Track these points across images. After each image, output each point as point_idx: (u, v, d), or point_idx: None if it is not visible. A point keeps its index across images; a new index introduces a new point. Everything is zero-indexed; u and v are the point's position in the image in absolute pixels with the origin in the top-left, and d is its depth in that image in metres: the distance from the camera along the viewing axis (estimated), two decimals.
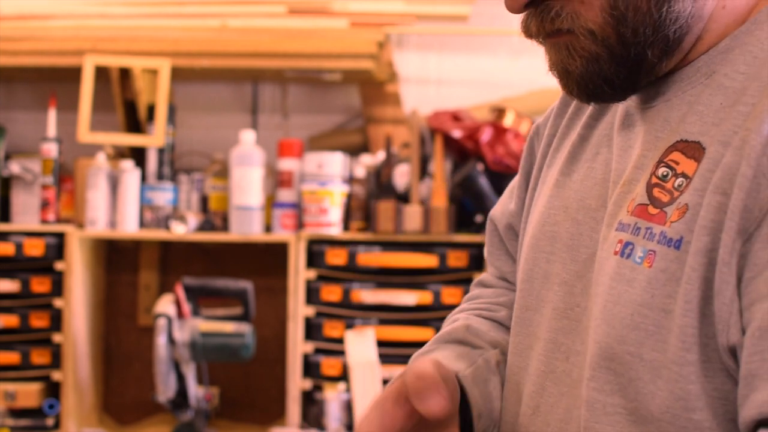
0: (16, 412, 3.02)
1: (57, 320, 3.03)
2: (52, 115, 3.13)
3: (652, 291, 0.86)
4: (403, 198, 3.04)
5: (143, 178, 3.14)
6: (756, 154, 0.81)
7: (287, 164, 3.12)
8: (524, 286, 1.04)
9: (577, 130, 1.07)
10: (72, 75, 3.10)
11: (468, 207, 3.03)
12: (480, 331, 1.12)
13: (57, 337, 3.03)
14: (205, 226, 3.11)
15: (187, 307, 2.95)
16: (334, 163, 3.04)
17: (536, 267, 1.03)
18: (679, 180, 0.88)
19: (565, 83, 0.95)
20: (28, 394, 3.00)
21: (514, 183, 1.20)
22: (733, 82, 0.89)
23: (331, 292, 3.00)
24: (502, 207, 1.22)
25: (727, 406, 0.83)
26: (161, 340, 2.89)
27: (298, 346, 3.00)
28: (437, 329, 2.96)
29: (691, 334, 0.83)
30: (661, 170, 0.90)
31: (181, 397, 2.99)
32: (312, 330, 3.01)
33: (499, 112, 3.12)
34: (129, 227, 3.07)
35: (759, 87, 0.86)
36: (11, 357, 3.04)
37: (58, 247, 3.03)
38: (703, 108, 0.90)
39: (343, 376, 2.95)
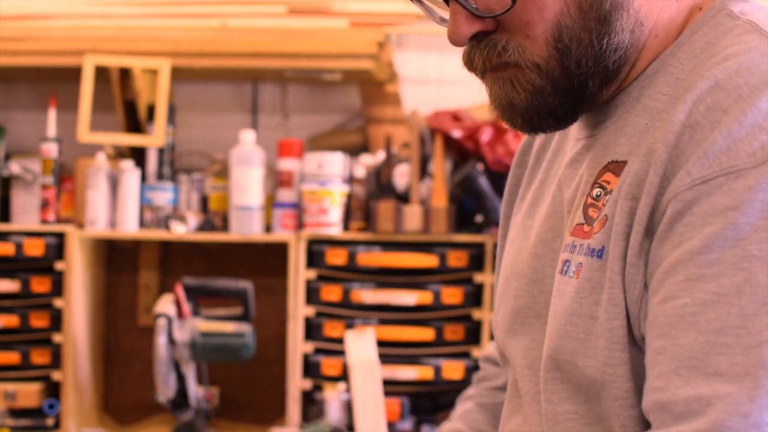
0: (16, 412, 3.02)
1: (57, 320, 3.03)
2: (52, 115, 3.13)
3: (580, 300, 0.92)
4: (403, 198, 3.04)
5: (143, 178, 3.14)
6: (662, 161, 0.87)
7: (287, 164, 3.12)
8: (502, 324, 1.09)
9: (538, 175, 1.11)
10: (72, 75, 3.10)
11: (468, 207, 3.03)
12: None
13: (57, 337, 3.03)
14: (205, 226, 3.11)
15: (187, 307, 2.95)
16: (334, 163, 3.04)
17: (507, 305, 1.07)
18: (608, 197, 0.93)
19: (508, 116, 0.98)
20: (28, 394, 3.00)
21: None
22: (657, 103, 0.93)
23: (331, 292, 3.00)
24: None
25: None
26: (161, 340, 2.89)
27: (298, 346, 3.00)
28: (437, 329, 2.96)
29: (622, 335, 0.89)
30: (595, 191, 0.95)
31: (181, 397, 2.99)
32: (312, 330, 3.01)
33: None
34: (129, 227, 3.07)
35: (675, 103, 0.90)
36: (11, 357, 3.04)
37: (58, 247, 3.03)
38: (630, 129, 0.95)
39: (343, 376, 2.95)
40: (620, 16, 0.93)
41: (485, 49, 0.95)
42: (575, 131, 1.04)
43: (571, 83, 0.93)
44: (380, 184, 3.05)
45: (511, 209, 1.16)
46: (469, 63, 0.98)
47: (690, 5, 0.97)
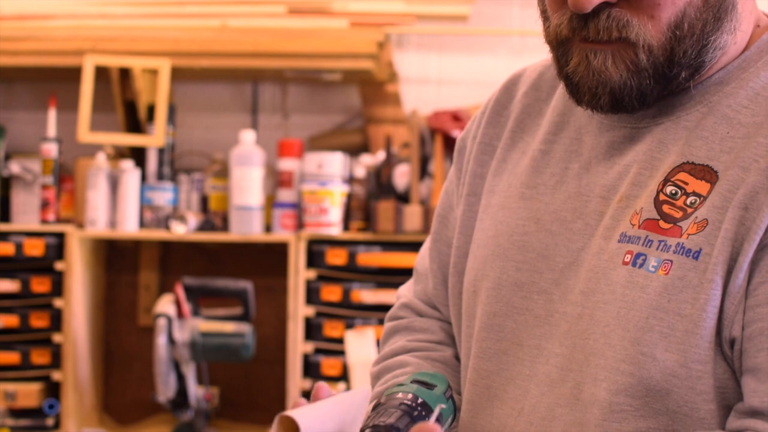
0: (16, 412, 3.02)
1: (57, 320, 3.03)
2: (52, 115, 3.13)
3: (669, 296, 0.94)
4: (403, 198, 3.04)
5: (143, 178, 3.14)
6: None
7: (287, 164, 3.12)
8: (492, 293, 1.08)
9: (533, 144, 1.11)
10: (72, 75, 3.10)
11: None
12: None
13: (57, 337, 3.03)
14: (205, 226, 3.11)
15: (187, 307, 2.95)
16: (334, 163, 3.04)
17: (504, 274, 1.08)
18: (691, 198, 0.96)
19: (594, 91, 0.98)
20: (28, 394, 3.00)
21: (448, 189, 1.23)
22: (738, 114, 0.97)
23: (331, 292, 3.00)
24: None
25: (725, 395, 0.93)
26: (161, 340, 2.89)
27: (298, 346, 3.00)
28: None
29: (713, 334, 0.92)
30: (669, 188, 0.98)
31: (181, 397, 3.00)
32: (312, 330, 3.01)
33: None
34: (129, 227, 3.07)
35: None
36: (11, 357, 3.04)
37: (58, 247, 3.03)
38: (707, 134, 0.98)
39: (343, 376, 2.95)
40: (732, 16, 0.98)
41: (608, 20, 0.96)
42: (603, 115, 1.05)
43: (670, 70, 0.97)
44: (380, 184, 3.05)
45: (483, 168, 1.15)
46: (575, 28, 0.98)
47: (754, 20, 1.03)
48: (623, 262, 0.98)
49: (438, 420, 0.98)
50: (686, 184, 0.97)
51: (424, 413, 0.97)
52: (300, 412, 0.93)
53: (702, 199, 0.95)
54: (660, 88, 0.98)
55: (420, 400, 0.98)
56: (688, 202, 0.96)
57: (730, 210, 0.93)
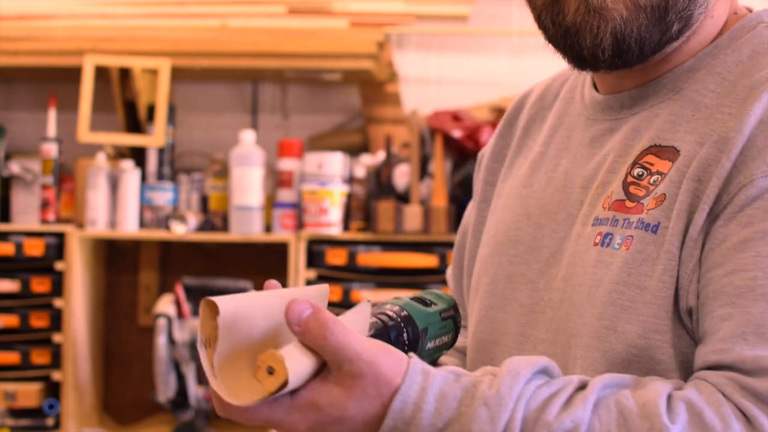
0: (16, 412, 3.02)
1: (57, 320, 3.03)
2: (52, 115, 3.13)
3: (629, 270, 0.97)
4: (403, 198, 3.04)
5: (143, 178, 3.14)
6: (736, 150, 0.94)
7: (287, 164, 3.12)
8: (489, 288, 1.13)
9: (535, 147, 1.17)
10: (72, 75, 3.10)
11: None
12: None
13: (57, 337, 3.03)
14: (205, 226, 3.11)
15: (187, 307, 2.95)
16: (334, 163, 3.04)
17: (500, 269, 1.12)
18: (654, 177, 0.99)
19: (589, 30, 0.99)
20: (28, 394, 3.00)
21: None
22: (704, 98, 1.01)
23: (331, 292, 2.99)
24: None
25: (688, 365, 0.95)
26: (161, 340, 2.89)
27: None
28: None
29: (670, 304, 0.95)
30: (637, 170, 1.01)
31: (181, 397, 2.99)
32: None
33: (499, 112, 3.12)
34: (129, 227, 3.07)
35: (736, 99, 0.98)
36: (11, 357, 3.04)
37: (58, 247, 3.03)
38: (674, 118, 1.01)
39: None
40: None
41: None
42: (589, 112, 1.10)
43: (665, 15, 0.99)
44: (380, 184, 3.05)
45: (494, 176, 1.22)
46: None
47: (728, 8, 1.06)
48: (594, 244, 1.01)
49: (421, 337, 0.96)
50: (651, 165, 1.00)
51: (407, 328, 0.94)
52: (226, 299, 0.82)
53: (663, 176, 0.99)
54: (656, 39, 1.00)
55: (404, 314, 0.95)
56: (651, 181, 0.99)
57: (684, 182, 0.96)
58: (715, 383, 0.88)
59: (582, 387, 0.89)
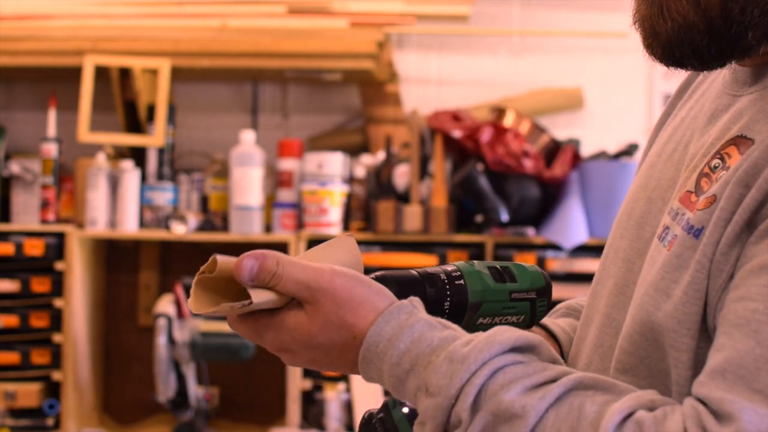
0: (16, 412, 3.02)
1: (57, 320, 3.03)
2: (52, 115, 3.13)
3: (663, 273, 0.88)
4: (403, 198, 3.04)
5: (143, 178, 3.14)
6: None
7: (287, 164, 3.12)
8: (602, 258, 1.04)
9: (681, 112, 1.05)
10: (72, 75, 3.10)
11: (468, 207, 3.03)
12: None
13: (57, 337, 3.03)
14: (205, 226, 3.11)
15: (187, 307, 2.95)
16: (334, 163, 3.04)
17: (613, 241, 1.03)
18: (724, 172, 0.88)
19: (649, 43, 0.92)
20: (28, 394, 3.00)
21: None
22: None
23: None
24: None
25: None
26: (161, 340, 2.89)
27: None
28: None
29: (695, 321, 0.85)
30: (714, 161, 0.90)
31: (181, 397, 2.99)
32: None
33: (499, 112, 3.12)
34: (129, 227, 3.07)
35: None
36: (11, 357, 3.04)
37: (58, 247, 3.03)
38: None
39: (344, 376, 2.95)
40: None
41: None
42: (724, 81, 0.98)
43: (727, 27, 0.87)
44: (380, 184, 3.05)
45: (655, 136, 1.11)
46: None
47: None
48: (657, 235, 0.92)
49: (470, 309, 0.90)
50: (729, 157, 0.88)
51: (448, 289, 0.89)
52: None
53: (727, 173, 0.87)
54: (721, 48, 0.89)
55: (457, 273, 0.89)
56: (719, 177, 0.88)
57: (729, 186, 0.85)
58: (685, 415, 0.81)
59: (555, 379, 0.84)
